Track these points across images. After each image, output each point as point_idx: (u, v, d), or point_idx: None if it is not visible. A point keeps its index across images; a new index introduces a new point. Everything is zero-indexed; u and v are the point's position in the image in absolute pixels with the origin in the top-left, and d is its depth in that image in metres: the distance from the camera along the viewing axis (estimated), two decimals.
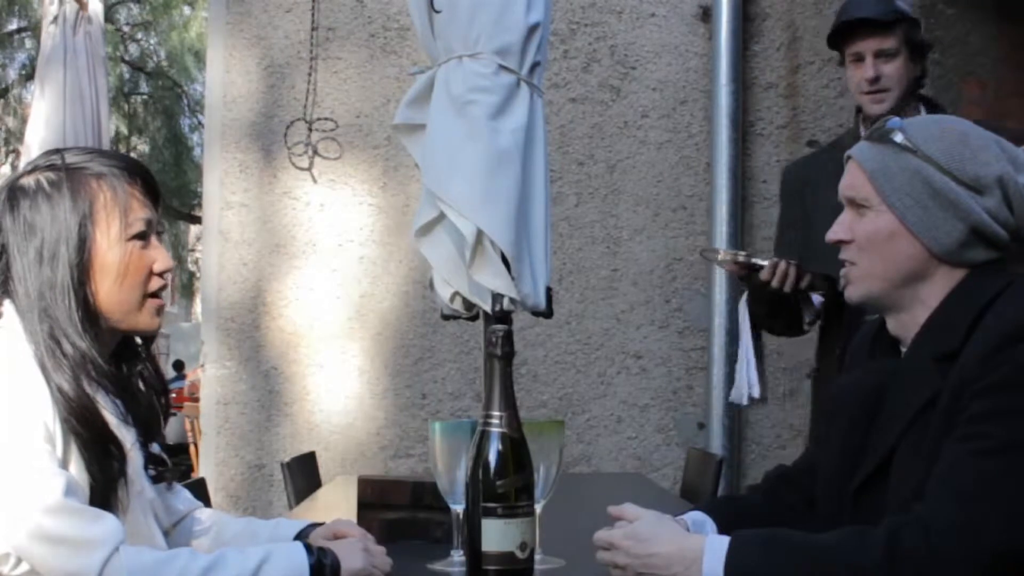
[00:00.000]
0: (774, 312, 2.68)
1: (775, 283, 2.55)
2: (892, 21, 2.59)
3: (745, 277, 2.65)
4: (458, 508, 1.73)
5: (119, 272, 1.55)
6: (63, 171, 1.55)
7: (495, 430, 1.57)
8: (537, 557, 1.69)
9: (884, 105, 2.58)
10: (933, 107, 2.66)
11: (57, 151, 1.61)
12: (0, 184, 1.60)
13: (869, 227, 1.50)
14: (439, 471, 1.73)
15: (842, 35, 2.67)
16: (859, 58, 2.63)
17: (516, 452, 1.57)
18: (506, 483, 1.55)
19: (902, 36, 2.59)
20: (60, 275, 1.51)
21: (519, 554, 1.54)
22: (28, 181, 1.56)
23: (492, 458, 1.56)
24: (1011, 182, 1.45)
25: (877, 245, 1.49)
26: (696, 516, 1.62)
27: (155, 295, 1.60)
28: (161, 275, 1.60)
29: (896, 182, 1.47)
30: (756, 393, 2.71)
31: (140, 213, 1.58)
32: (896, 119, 1.53)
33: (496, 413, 1.57)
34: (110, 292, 1.55)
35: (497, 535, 1.53)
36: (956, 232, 1.45)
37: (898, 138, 1.48)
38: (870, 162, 1.50)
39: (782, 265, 2.54)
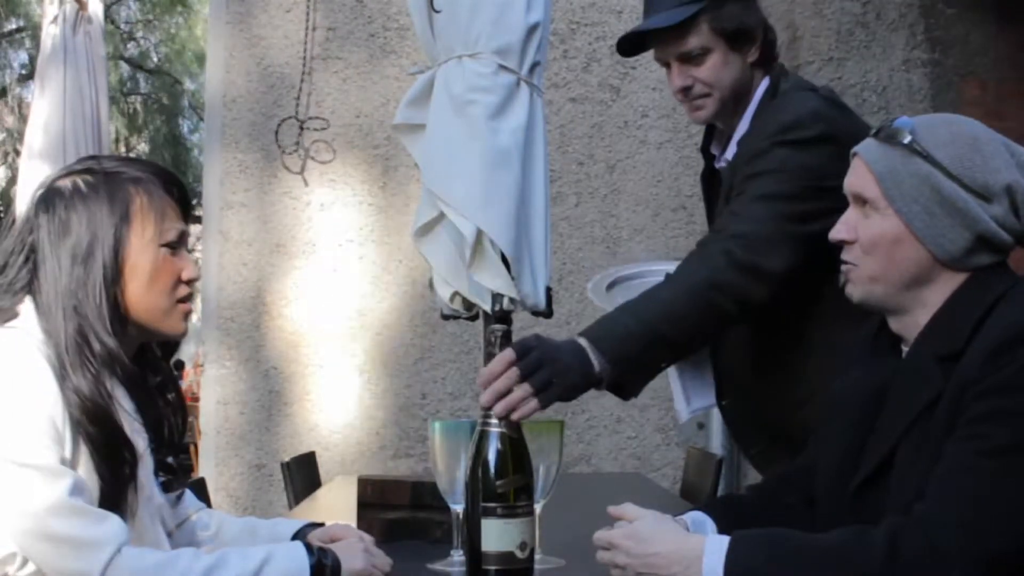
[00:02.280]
0: None
1: None
2: (688, 19, 2.02)
3: None
4: (458, 508, 1.74)
5: (149, 275, 1.57)
6: (100, 174, 1.57)
7: (494, 430, 1.58)
8: (537, 557, 1.70)
9: (704, 112, 2.09)
10: (775, 77, 2.09)
11: (95, 157, 1.63)
12: (37, 186, 1.62)
13: (874, 230, 1.49)
14: (439, 471, 1.73)
15: (641, 41, 2.14)
16: (665, 64, 2.12)
17: (516, 452, 1.59)
18: (505, 483, 1.56)
19: (708, 29, 2.02)
20: (93, 274, 1.52)
21: (519, 554, 1.56)
22: (64, 183, 1.58)
23: (491, 458, 1.58)
24: (1019, 190, 1.44)
25: (881, 248, 1.48)
26: (696, 516, 1.62)
27: (183, 301, 1.62)
28: (189, 283, 1.62)
29: (904, 187, 1.46)
30: (685, 415, 2.33)
31: (174, 222, 1.60)
32: (905, 118, 1.51)
33: None
34: (140, 295, 1.56)
35: (497, 535, 1.55)
36: (962, 240, 1.44)
37: (906, 140, 1.46)
38: (878, 163, 1.48)
39: None
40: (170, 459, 1.67)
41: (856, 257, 1.52)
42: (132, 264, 1.56)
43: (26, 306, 1.53)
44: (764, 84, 2.09)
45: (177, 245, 1.61)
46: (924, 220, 1.45)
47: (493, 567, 1.55)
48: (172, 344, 1.71)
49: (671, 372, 2.36)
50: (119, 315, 1.55)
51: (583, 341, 1.82)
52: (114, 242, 1.54)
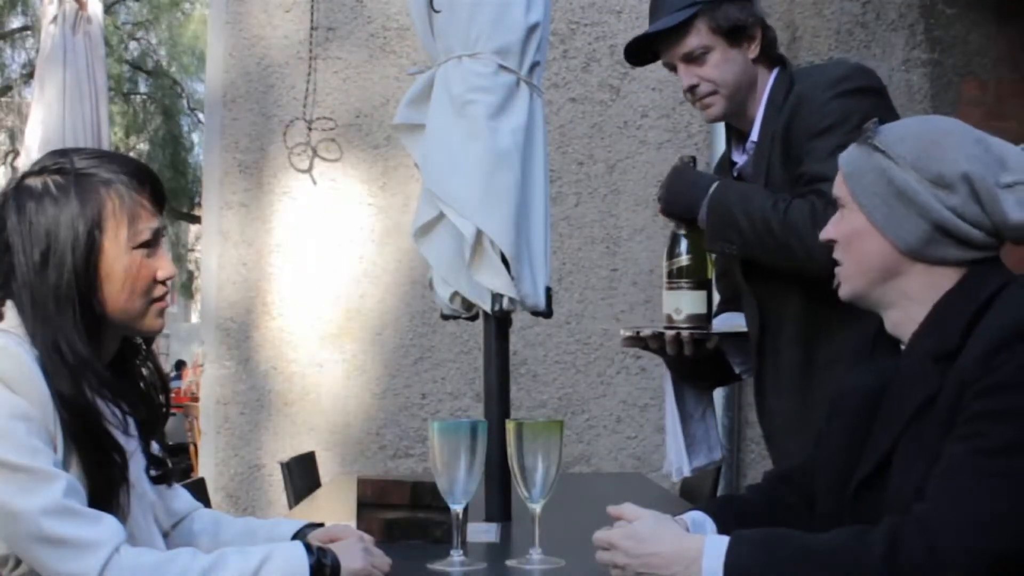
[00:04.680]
0: (696, 372, 2.34)
1: (670, 351, 2.23)
2: (685, 21, 2.13)
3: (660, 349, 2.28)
4: (458, 508, 1.74)
5: (124, 280, 1.54)
6: (72, 175, 1.53)
7: (683, 234, 2.23)
8: (537, 557, 1.73)
9: (714, 110, 2.19)
10: (783, 67, 2.20)
11: (66, 153, 1.59)
12: (6, 182, 1.59)
13: (845, 227, 1.54)
14: (438, 471, 1.74)
15: (648, 49, 2.24)
16: (673, 68, 2.22)
17: (677, 244, 2.23)
18: (669, 263, 2.25)
19: (706, 29, 2.13)
20: (65, 282, 1.50)
21: (675, 316, 2.23)
22: (36, 183, 1.54)
23: (671, 245, 2.24)
24: (978, 178, 1.43)
25: (852, 244, 1.53)
26: (696, 516, 1.62)
27: (159, 299, 1.60)
28: (164, 282, 1.60)
29: (864, 181, 1.51)
30: (687, 471, 2.33)
31: (148, 222, 1.57)
32: (876, 121, 1.55)
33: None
34: (115, 299, 1.54)
35: (665, 300, 2.26)
36: (918, 230, 1.46)
37: (874, 140, 1.51)
38: (848, 164, 1.55)
39: (668, 335, 2.21)
40: (156, 447, 1.66)
41: (839, 255, 1.57)
42: (106, 270, 1.53)
43: (10, 308, 1.52)
44: (774, 75, 2.18)
45: (152, 244, 1.58)
46: (883, 212, 1.49)
47: (662, 324, 2.25)
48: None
49: (674, 430, 2.36)
50: (94, 320, 1.52)
51: (705, 206, 2.13)
52: (86, 249, 1.51)
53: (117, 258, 1.54)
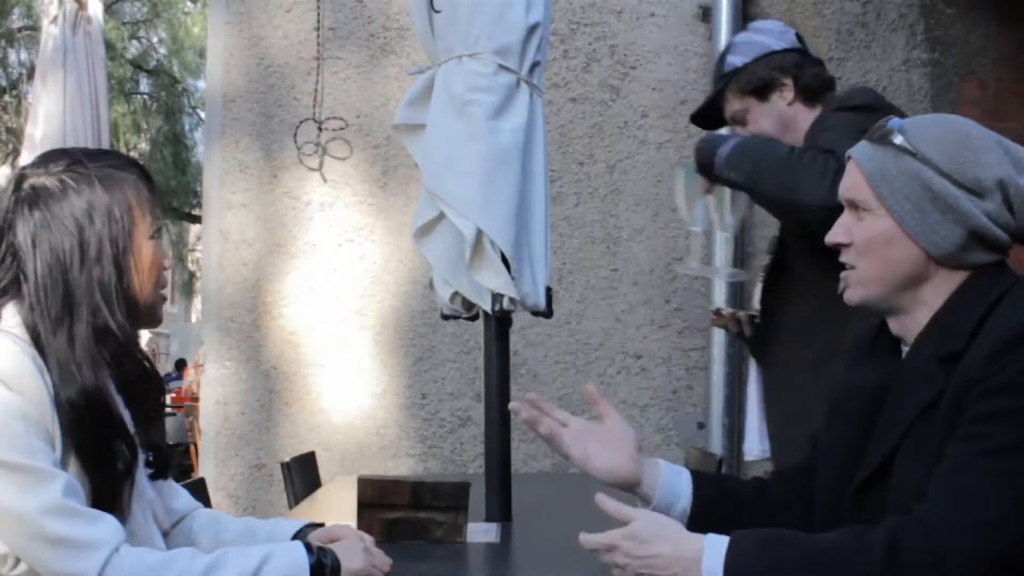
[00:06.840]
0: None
1: (732, 330, 2.61)
2: (719, 92, 2.45)
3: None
4: (696, 229, 2.47)
5: (150, 269, 1.60)
6: (90, 172, 1.56)
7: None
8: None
9: None
10: (812, 95, 2.42)
11: (67, 152, 1.61)
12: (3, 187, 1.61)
13: (867, 231, 1.49)
14: (680, 205, 2.45)
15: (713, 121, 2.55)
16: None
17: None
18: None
19: (738, 91, 2.41)
20: (107, 272, 1.53)
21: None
22: (50, 182, 1.55)
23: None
24: (1012, 184, 1.44)
25: (876, 249, 1.48)
26: (667, 473, 1.68)
27: (163, 288, 1.65)
28: (166, 271, 1.65)
29: (894, 185, 1.46)
30: (768, 450, 2.55)
31: (156, 213, 1.63)
32: (896, 119, 1.51)
33: None
34: (143, 288, 1.59)
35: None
36: (955, 236, 1.44)
37: (897, 139, 1.46)
38: (869, 163, 1.49)
39: (725, 312, 2.66)
40: (155, 440, 1.66)
41: (852, 259, 1.52)
42: (137, 260, 1.58)
43: (8, 308, 1.53)
44: (816, 114, 2.37)
45: (159, 235, 1.64)
46: (916, 218, 1.45)
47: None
48: None
49: (755, 411, 2.59)
50: (132, 310, 1.57)
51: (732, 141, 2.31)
52: (125, 240, 1.55)
53: (143, 248, 1.59)
